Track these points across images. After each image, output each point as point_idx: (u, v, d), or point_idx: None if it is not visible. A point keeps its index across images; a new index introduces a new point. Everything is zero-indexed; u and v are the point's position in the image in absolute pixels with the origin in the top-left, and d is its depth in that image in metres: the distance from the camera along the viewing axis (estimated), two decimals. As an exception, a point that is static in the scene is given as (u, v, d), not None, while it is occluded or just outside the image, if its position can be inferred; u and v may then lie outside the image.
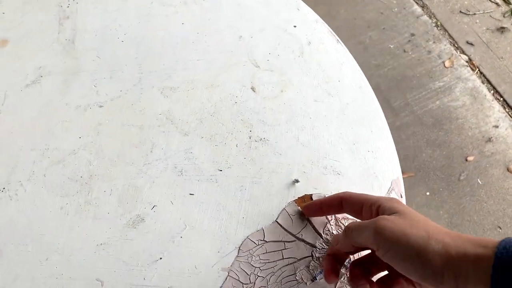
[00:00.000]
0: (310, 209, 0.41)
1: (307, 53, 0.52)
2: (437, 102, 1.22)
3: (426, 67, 1.28)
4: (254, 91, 0.49)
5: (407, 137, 1.16)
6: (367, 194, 0.37)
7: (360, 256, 0.39)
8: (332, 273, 0.36)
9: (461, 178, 1.13)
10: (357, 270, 0.36)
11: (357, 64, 0.52)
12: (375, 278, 0.37)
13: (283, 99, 0.49)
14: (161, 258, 0.41)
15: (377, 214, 0.34)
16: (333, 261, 0.37)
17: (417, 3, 1.39)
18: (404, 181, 0.47)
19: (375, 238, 0.31)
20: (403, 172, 1.05)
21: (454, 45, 1.30)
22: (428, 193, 1.11)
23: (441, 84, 1.25)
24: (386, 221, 0.31)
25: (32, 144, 0.46)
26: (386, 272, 0.37)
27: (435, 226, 0.31)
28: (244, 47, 0.52)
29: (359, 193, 0.37)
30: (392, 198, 0.35)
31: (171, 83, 0.49)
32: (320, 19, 0.55)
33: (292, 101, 0.48)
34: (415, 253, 0.29)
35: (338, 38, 0.53)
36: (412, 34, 1.34)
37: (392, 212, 0.32)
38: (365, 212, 0.35)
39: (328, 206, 0.39)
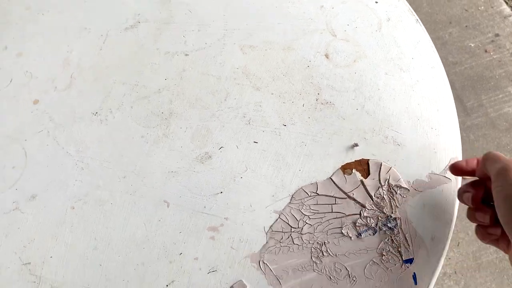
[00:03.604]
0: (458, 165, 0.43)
1: (385, 29, 0.53)
2: (515, 107, 1.16)
3: (507, 69, 1.21)
4: (328, 58, 0.51)
5: (476, 139, 1.12)
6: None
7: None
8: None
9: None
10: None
11: (433, 45, 0.52)
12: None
13: (354, 68, 0.51)
14: (221, 192, 0.45)
15: None
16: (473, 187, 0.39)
17: (506, 3, 1.30)
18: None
19: (499, 172, 0.34)
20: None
21: (543, 49, 1.22)
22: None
23: (523, 88, 1.18)
24: None
25: (124, 79, 0.52)
26: None
27: None
28: (324, 16, 0.54)
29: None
30: None
31: (251, 42, 0.53)
32: (403, -3, 0.56)
33: (363, 72, 0.50)
34: None
35: (418, 18, 0.54)
36: (497, 35, 1.27)
37: None
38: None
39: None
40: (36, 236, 0.45)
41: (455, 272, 1.02)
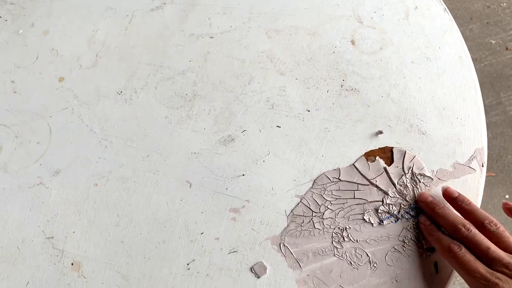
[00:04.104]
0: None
1: (412, 17, 0.52)
2: (536, 106, 1.15)
3: (528, 67, 1.20)
4: (354, 44, 0.51)
5: (494, 136, 1.10)
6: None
7: None
8: None
9: (549, 186, 1.07)
10: None
11: (461, 35, 0.51)
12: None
13: (380, 55, 0.50)
14: (243, 175, 0.46)
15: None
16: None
17: (530, 0, 1.29)
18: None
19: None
20: (484, 171, 1.01)
21: None
22: (507, 196, 1.06)
23: (544, 87, 1.16)
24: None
25: (149, 59, 0.52)
26: None
27: None
28: (351, 3, 0.54)
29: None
30: None
31: (277, 26, 0.53)
32: (431, -13, 0.55)
33: (389, 59, 0.50)
34: None
35: (446, 7, 0.53)
36: (519, 32, 1.25)
37: None
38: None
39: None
40: (60, 211, 0.46)
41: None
